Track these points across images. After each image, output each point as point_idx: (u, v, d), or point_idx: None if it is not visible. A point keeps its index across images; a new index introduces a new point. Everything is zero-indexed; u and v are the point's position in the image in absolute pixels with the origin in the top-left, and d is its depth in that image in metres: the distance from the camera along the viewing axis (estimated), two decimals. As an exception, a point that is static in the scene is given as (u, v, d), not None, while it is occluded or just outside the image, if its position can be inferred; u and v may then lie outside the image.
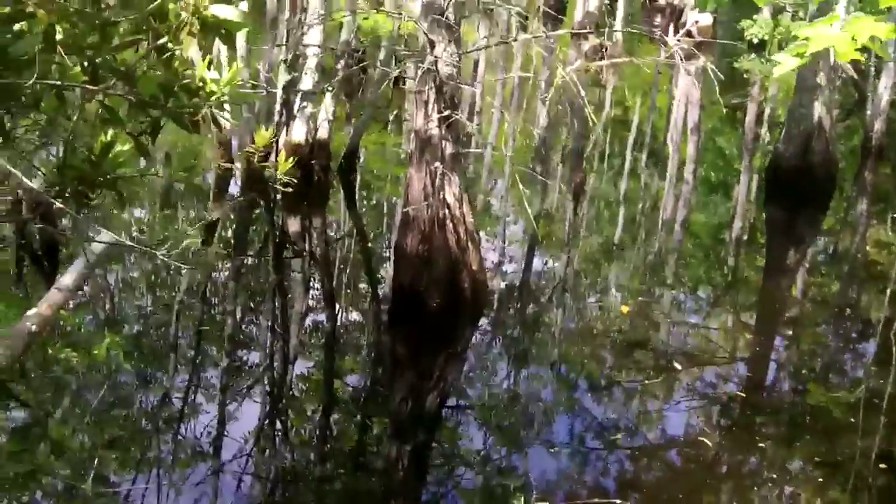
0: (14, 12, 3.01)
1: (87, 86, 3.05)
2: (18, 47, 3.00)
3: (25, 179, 3.47)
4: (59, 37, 3.00)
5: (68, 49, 3.02)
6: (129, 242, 7.17)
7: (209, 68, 3.34)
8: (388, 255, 12.20)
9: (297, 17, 14.47)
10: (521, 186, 11.15)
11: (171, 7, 2.97)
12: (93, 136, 3.45)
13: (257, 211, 13.95)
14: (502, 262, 12.59)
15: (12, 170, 3.44)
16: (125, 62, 3.18)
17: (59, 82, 3.01)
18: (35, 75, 2.86)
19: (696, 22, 33.00)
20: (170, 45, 3.05)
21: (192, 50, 3.09)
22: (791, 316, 11.72)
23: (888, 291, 12.69)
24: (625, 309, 10.90)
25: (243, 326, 10.27)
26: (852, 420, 8.81)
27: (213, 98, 3.30)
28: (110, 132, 3.41)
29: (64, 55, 3.01)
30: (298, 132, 13.81)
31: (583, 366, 9.70)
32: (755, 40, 31.07)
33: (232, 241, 12.91)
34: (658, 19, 38.26)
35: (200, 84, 3.24)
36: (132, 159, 3.53)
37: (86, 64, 3.10)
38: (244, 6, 2.88)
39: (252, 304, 10.89)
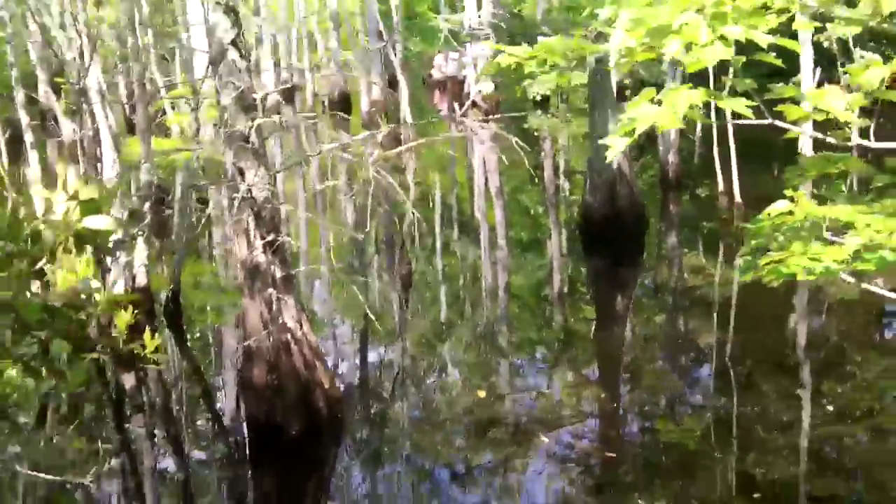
0: None
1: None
2: None
3: None
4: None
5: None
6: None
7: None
8: (227, 389, 11.95)
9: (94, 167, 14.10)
10: (350, 288, 11.14)
11: (41, 228, 2.91)
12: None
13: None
14: (350, 368, 12.53)
15: None
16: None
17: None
18: None
19: (480, 91, 33.97)
20: (47, 266, 2.99)
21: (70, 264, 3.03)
22: (629, 359, 12.14)
23: (714, 314, 13.30)
24: (481, 393, 11.02)
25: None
26: (709, 453, 9.19)
27: (101, 308, 3.24)
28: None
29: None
30: (117, 286, 13.33)
31: (439, 456, 9.74)
32: (538, 97, 32.23)
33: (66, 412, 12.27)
34: (437, 93, 39.22)
35: (86, 297, 3.18)
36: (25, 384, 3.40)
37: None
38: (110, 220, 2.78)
39: (97, 471, 10.39)
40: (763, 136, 21.06)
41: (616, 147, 4.03)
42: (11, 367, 3.32)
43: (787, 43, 4.30)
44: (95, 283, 2.82)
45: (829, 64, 19.95)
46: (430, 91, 40.61)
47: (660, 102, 3.94)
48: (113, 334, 5.00)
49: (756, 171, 20.19)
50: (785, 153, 20.79)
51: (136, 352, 4.95)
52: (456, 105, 33.71)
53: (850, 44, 18.70)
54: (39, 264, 3.00)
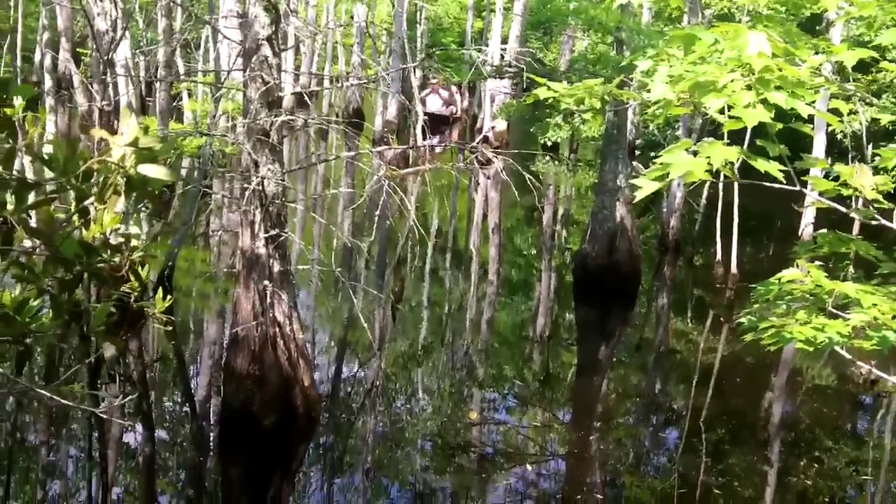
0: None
1: (3, 247, 3.01)
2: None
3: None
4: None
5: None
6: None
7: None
8: (204, 374, 12.04)
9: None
10: (337, 294, 11.23)
11: (95, 167, 2.98)
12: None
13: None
14: (334, 373, 12.61)
15: None
16: (46, 221, 3.17)
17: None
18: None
19: (493, 127, 34.26)
20: (95, 205, 3.07)
21: (117, 206, 3.11)
22: (603, 409, 12.23)
23: (693, 381, 13.39)
24: (473, 415, 11.16)
25: (53, 458, 9.82)
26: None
27: (136, 254, 3.32)
28: (19, 288, 3.36)
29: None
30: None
31: (399, 474, 9.81)
32: (549, 143, 32.48)
33: (42, 371, 12.34)
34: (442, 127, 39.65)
35: (122, 239, 3.26)
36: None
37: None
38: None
39: (63, 434, 10.43)
40: (763, 213, 21.21)
41: (646, 188, 4.14)
42: (36, 297, 3.38)
43: (826, 117, 4.46)
44: (135, 229, 2.87)
45: (839, 155, 20.22)
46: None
47: (694, 153, 4.06)
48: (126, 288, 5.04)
49: (754, 246, 20.36)
50: (784, 233, 20.98)
51: (145, 309, 5.02)
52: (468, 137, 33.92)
53: (864, 139, 18.97)
54: (86, 202, 3.06)
